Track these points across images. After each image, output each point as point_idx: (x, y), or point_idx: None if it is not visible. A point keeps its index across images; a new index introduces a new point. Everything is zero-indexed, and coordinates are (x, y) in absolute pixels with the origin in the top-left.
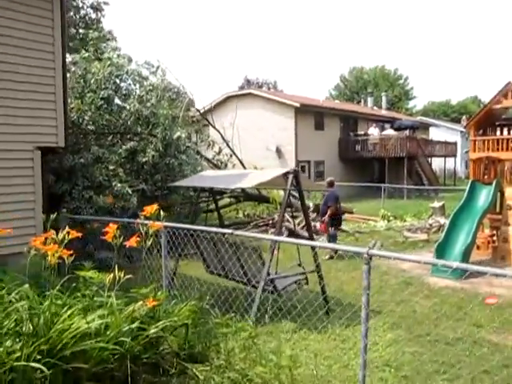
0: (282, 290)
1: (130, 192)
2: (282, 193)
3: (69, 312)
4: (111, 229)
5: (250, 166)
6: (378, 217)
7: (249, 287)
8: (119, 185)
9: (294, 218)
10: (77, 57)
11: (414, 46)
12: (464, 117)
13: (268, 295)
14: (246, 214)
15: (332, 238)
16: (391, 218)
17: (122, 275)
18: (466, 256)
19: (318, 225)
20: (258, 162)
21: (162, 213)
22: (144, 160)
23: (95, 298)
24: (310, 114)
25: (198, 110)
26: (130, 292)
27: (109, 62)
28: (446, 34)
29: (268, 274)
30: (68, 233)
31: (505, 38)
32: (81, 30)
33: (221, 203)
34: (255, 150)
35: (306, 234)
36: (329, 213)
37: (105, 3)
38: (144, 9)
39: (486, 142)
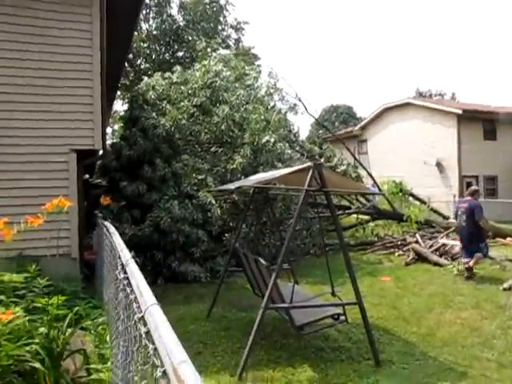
0: (303, 324)
1: (214, 202)
2: (428, 210)
3: None
4: None
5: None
6: None
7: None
8: (202, 194)
9: (431, 239)
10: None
11: None
12: None
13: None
14: (375, 233)
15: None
16: None
17: None
18: None
19: (457, 248)
20: (415, 178)
21: None
22: (232, 167)
23: None
24: (477, 122)
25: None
26: None
27: (204, 69)
28: None
29: (281, 300)
30: None
31: None
32: (221, 51)
33: (347, 222)
34: (414, 164)
35: (436, 257)
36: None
37: (245, 23)
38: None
39: None
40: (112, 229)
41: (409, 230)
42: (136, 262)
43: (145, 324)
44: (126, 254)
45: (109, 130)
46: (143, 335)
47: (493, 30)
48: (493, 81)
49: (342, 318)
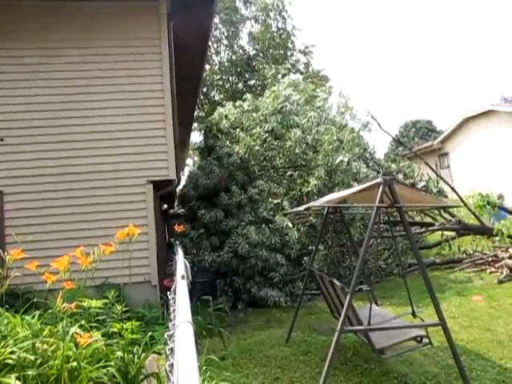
0: (383, 348)
1: (290, 225)
2: None
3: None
4: None
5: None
6: None
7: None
8: (278, 218)
9: None
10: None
11: None
12: None
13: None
14: (462, 250)
15: None
16: None
17: None
18: None
19: None
20: (506, 189)
21: None
22: (307, 190)
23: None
24: None
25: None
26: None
27: (273, 95)
28: None
29: (358, 322)
30: None
31: None
32: (292, 76)
33: (432, 239)
34: (502, 175)
35: None
36: None
37: (312, 46)
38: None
39: None
40: (179, 253)
41: (500, 245)
42: (191, 282)
43: (173, 341)
44: (178, 274)
45: (189, 161)
46: (167, 352)
47: None
48: None
49: (426, 340)
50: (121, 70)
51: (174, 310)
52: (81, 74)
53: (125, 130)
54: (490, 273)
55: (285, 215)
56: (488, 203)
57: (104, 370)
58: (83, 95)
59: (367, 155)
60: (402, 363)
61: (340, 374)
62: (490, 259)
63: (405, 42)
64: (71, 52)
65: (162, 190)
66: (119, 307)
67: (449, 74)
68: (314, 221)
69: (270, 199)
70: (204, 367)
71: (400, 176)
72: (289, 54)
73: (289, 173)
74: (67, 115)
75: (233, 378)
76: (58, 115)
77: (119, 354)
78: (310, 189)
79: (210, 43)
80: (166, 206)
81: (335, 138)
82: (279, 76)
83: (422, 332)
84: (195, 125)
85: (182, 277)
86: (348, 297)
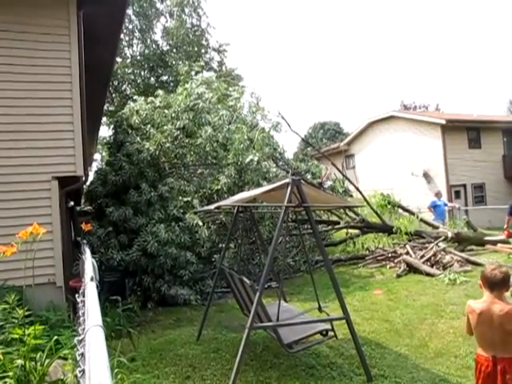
0: (291, 342)
1: (200, 224)
2: (417, 221)
3: None
4: None
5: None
6: None
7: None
8: (188, 216)
9: (422, 249)
10: (160, 92)
11: None
12: None
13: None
14: (366, 247)
15: None
16: None
17: None
18: None
19: (448, 257)
20: (404, 189)
21: None
22: (217, 188)
23: None
24: (462, 131)
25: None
26: None
27: (185, 93)
28: None
29: (267, 318)
30: None
31: None
32: (205, 73)
33: (338, 236)
34: (401, 176)
35: (427, 268)
36: None
37: (226, 44)
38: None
39: None
40: (87, 253)
41: (399, 241)
42: (99, 282)
43: (83, 346)
44: (87, 276)
45: (97, 156)
46: (78, 357)
47: (474, 40)
48: (475, 91)
49: (331, 333)
50: (25, 58)
51: (83, 314)
52: None
53: (28, 122)
54: (390, 268)
55: (195, 213)
56: (389, 203)
57: (0, 382)
58: None
59: (277, 155)
60: (310, 356)
61: (250, 369)
62: (389, 255)
63: (315, 46)
64: None
65: (69, 186)
66: (20, 311)
67: (356, 79)
68: (224, 219)
69: (181, 197)
70: (114, 370)
71: (308, 176)
72: (203, 51)
73: (199, 171)
74: None
75: (143, 380)
76: None
77: (19, 362)
78: (220, 187)
79: (122, 35)
80: (72, 203)
81: (246, 137)
82: (192, 73)
83: (328, 326)
84: (105, 119)
85: (91, 278)
86: (257, 294)
